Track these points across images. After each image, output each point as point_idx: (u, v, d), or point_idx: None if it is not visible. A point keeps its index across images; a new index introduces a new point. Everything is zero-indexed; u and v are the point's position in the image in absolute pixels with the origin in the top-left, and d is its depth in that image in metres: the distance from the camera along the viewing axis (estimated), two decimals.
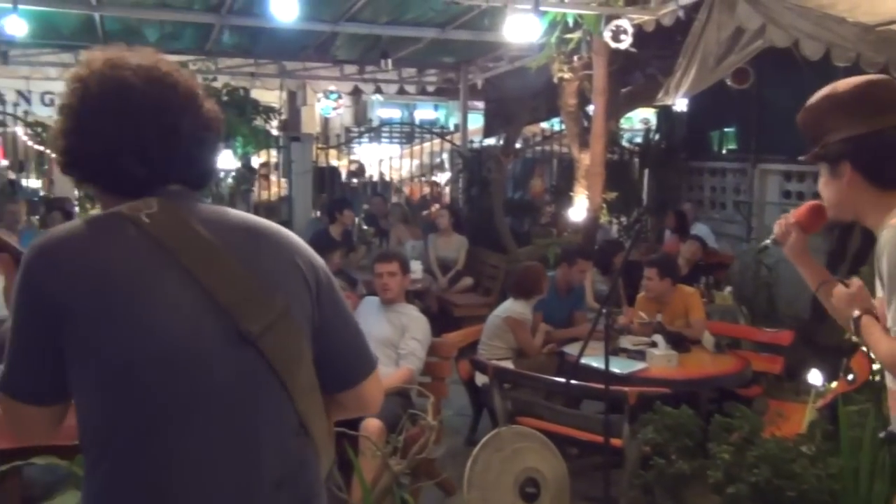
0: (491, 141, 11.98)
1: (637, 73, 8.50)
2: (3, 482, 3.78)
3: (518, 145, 11.66)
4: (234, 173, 10.02)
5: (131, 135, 1.44)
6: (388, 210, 10.83)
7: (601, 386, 3.85)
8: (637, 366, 4.83)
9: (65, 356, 1.38)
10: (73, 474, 2.83)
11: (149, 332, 1.36)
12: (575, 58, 7.48)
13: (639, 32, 6.47)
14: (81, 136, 1.46)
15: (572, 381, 4.20)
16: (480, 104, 12.99)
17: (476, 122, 13.12)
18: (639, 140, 11.82)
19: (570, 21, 6.94)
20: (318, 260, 1.59)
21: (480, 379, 5.13)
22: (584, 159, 7.92)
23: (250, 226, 1.54)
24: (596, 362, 4.53)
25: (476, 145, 11.71)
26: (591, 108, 7.96)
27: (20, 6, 6.98)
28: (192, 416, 1.38)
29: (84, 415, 1.41)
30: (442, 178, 14.90)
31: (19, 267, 1.41)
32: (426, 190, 14.30)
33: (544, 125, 12.56)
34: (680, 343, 5.10)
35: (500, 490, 3.86)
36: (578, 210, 7.95)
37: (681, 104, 8.42)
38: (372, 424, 3.90)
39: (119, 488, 1.38)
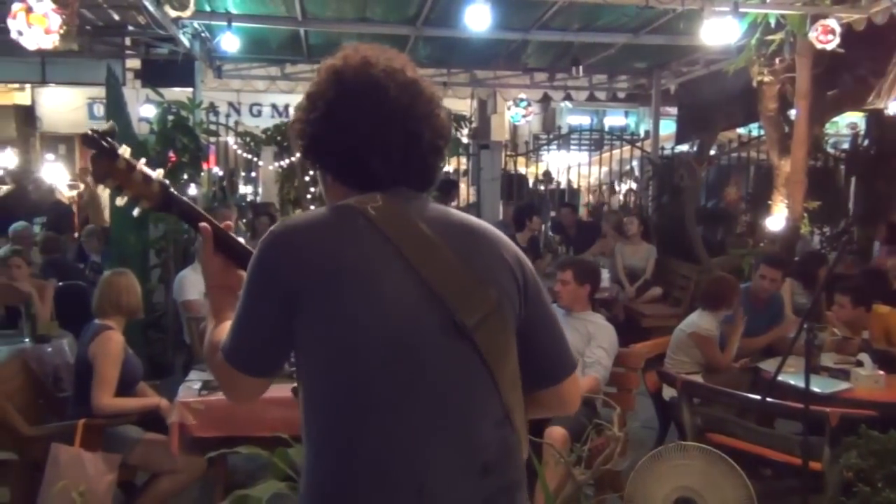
0: (683, 147, 11.64)
1: (845, 75, 7.99)
2: (211, 467, 4.08)
3: (712, 152, 11.26)
4: None
5: (381, 136, 1.53)
6: (604, 216, 10.71)
7: (800, 405, 3.65)
8: (840, 386, 4.54)
9: (292, 338, 1.48)
10: (273, 464, 2.99)
11: (375, 319, 1.43)
12: (776, 60, 7.17)
13: (848, 32, 6.12)
14: (332, 126, 1.55)
15: (768, 399, 4.01)
16: (673, 110, 12.64)
17: (668, 128, 12.79)
18: (845, 146, 11.12)
19: (772, 22, 6.66)
20: (525, 259, 1.64)
21: (668, 392, 4.99)
22: (785, 166, 7.57)
23: (467, 224, 1.60)
24: (794, 380, 4.32)
25: (667, 152, 11.42)
26: (792, 113, 7.59)
27: (234, 24, 7.52)
28: (410, 402, 1.44)
29: (311, 399, 1.50)
30: (620, 187, 14.63)
31: (256, 250, 1.52)
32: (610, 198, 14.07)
33: (741, 131, 12.07)
34: (889, 363, 4.75)
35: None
36: (777, 220, 7.60)
37: (894, 108, 7.86)
38: (556, 432, 3.88)
39: (346, 471, 1.45)
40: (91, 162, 1.64)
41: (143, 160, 1.68)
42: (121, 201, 1.67)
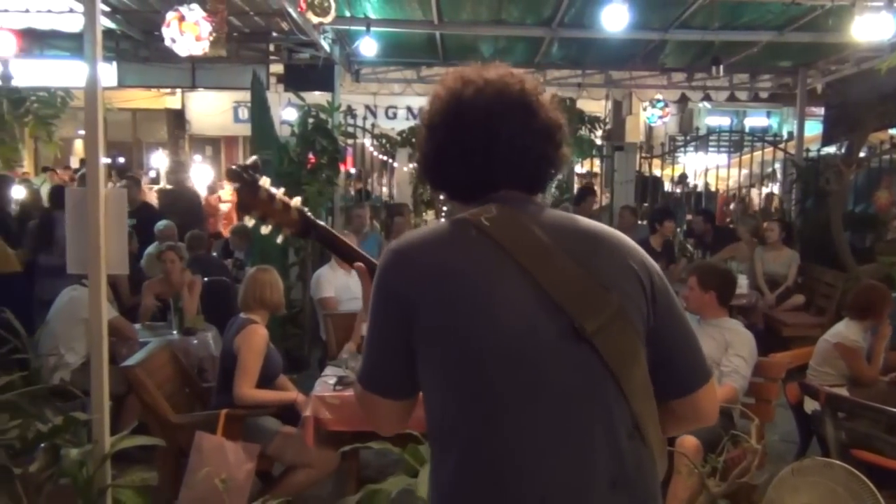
0: (830, 149, 11.13)
1: None
2: (344, 461, 4.18)
3: (862, 153, 10.71)
4: (556, 183, 10.24)
5: (457, 148, 1.55)
6: (737, 221, 10.40)
7: None
8: None
9: (415, 352, 1.48)
10: (404, 460, 3.03)
11: (490, 328, 1.43)
12: None
13: None
14: (428, 146, 1.60)
15: None
16: (818, 110, 12.10)
17: (813, 129, 12.24)
18: None
19: None
20: (652, 263, 1.59)
21: (810, 405, 4.78)
22: None
23: (586, 228, 1.57)
24: None
25: (812, 154, 10.96)
26: None
27: (372, 28, 7.70)
28: (530, 409, 1.42)
29: (431, 408, 1.51)
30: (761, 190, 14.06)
31: (376, 270, 1.55)
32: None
33: (894, 132, 11.44)
34: None
35: None
36: None
37: None
38: (688, 441, 3.79)
39: (465, 478, 1.44)
40: (236, 194, 1.73)
41: (281, 189, 1.75)
42: (265, 230, 1.75)
